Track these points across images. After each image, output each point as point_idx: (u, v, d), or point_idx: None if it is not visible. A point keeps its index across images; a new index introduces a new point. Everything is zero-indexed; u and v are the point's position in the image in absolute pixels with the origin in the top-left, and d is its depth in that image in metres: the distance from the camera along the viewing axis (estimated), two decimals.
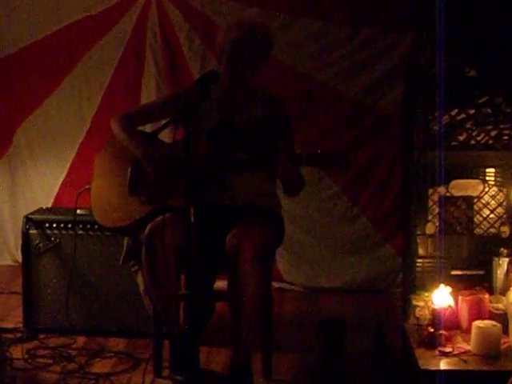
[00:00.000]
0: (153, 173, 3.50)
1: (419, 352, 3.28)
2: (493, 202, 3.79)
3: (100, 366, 3.81)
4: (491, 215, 3.78)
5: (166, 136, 3.90)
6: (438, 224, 3.76)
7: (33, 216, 4.22)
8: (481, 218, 3.79)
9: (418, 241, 3.81)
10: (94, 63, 5.25)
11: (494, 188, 3.80)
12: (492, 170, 3.83)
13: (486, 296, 3.52)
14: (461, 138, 3.74)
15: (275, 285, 4.81)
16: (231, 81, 3.57)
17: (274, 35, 4.73)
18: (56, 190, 5.38)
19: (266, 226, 3.60)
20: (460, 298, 3.51)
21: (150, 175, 3.51)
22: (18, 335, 4.11)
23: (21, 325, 4.19)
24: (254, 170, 3.56)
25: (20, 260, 4.44)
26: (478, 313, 3.44)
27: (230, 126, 3.61)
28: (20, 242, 4.23)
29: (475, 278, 3.74)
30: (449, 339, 3.36)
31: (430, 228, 3.79)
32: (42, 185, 5.43)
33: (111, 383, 3.63)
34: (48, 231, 4.16)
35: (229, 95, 3.66)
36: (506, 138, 3.72)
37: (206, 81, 3.34)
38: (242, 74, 3.57)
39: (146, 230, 3.47)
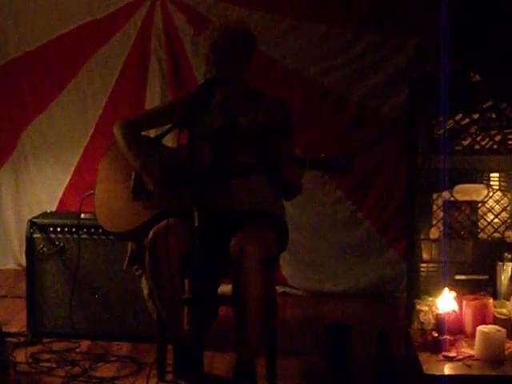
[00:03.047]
0: (152, 185, 3.50)
1: (423, 357, 3.28)
2: (497, 206, 3.79)
3: (104, 371, 3.80)
4: (495, 220, 3.78)
5: (169, 140, 3.90)
6: (442, 229, 3.75)
7: (37, 220, 4.22)
8: (485, 223, 3.79)
9: (422, 245, 3.81)
10: (98, 67, 5.26)
11: (499, 193, 3.80)
12: (496, 174, 3.83)
13: (490, 301, 3.52)
14: (465, 143, 3.74)
15: (279, 289, 4.81)
16: (226, 85, 3.55)
17: (278, 39, 4.77)
18: (60, 193, 5.39)
19: (271, 231, 3.60)
20: (464, 302, 3.51)
21: (150, 187, 3.51)
22: (22, 339, 4.11)
23: (25, 329, 4.19)
24: (257, 175, 3.57)
25: (24, 264, 4.44)
26: (482, 318, 3.44)
27: (234, 130, 3.61)
28: (24, 245, 4.23)
29: (479, 283, 3.74)
30: (453, 344, 3.35)
31: (434, 233, 3.79)
32: (46, 189, 5.43)
33: None
34: (52, 235, 4.16)
35: (231, 99, 3.66)
36: (510, 142, 3.72)
37: (210, 85, 3.35)
38: (234, 73, 3.56)
39: (150, 235, 3.48)
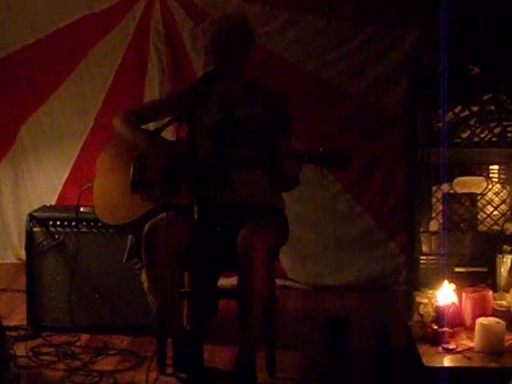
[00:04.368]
0: (163, 162, 3.49)
1: (423, 349, 3.28)
2: (496, 199, 3.79)
3: (104, 364, 3.81)
4: (495, 212, 3.78)
5: (168, 134, 3.90)
6: (441, 221, 3.76)
7: (36, 214, 4.22)
8: (484, 215, 3.79)
9: (422, 238, 3.82)
10: (97, 61, 5.24)
11: (498, 185, 3.80)
12: (496, 167, 3.83)
13: (490, 293, 3.52)
14: (464, 136, 3.74)
15: (279, 282, 4.80)
16: (225, 78, 3.54)
17: (277, 32, 4.77)
18: (59, 187, 5.38)
19: (275, 225, 3.61)
20: (464, 295, 3.51)
21: (159, 164, 3.50)
22: (22, 333, 4.11)
23: (25, 322, 4.20)
24: (256, 168, 3.56)
25: (24, 258, 4.44)
26: (481, 310, 3.44)
27: (232, 123, 3.61)
28: (24, 239, 4.24)
29: (479, 275, 3.75)
30: (452, 336, 3.36)
31: (434, 225, 3.79)
32: (45, 182, 5.43)
33: (115, 381, 3.63)
34: (51, 229, 4.16)
35: (230, 92, 3.65)
36: (509, 135, 3.72)
37: (209, 79, 3.34)
38: (233, 66, 3.55)
39: (145, 228, 3.48)
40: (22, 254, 4.80)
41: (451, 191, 3.78)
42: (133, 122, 3.67)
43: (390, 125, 4.93)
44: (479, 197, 3.80)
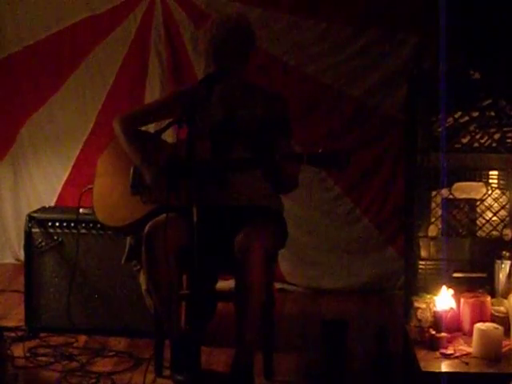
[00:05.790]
0: (150, 181, 3.51)
1: (420, 354, 3.27)
2: (495, 204, 3.78)
3: (101, 365, 3.81)
4: (494, 218, 3.77)
5: (168, 136, 3.90)
6: (440, 226, 3.75)
7: (35, 215, 4.22)
8: (483, 221, 3.79)
9: (421, 243, 3.81)
10: (98, 63, 5.25)
11: (497, 191, 3.80)
12: (495, 172, 3.83)
13: (488, 299, 3.52)
14: (464, 141, 3.74)
15: (277, 285, 4.81)
16: (226, 79, 3.54)
17: (278, 35, 4.77)
18: (59, 188, 5.38)
19: (273, 227, 3.61)
20: (462, 300, 3.51)
21: (148, 181, 3.52)
22: (20, 334, 4.11)
23: (22, 323, 4.19)
24: (255, 170, 3.56)
25: (22, 258, 4.44)
26: (479, 315, 3.44)
27: (232, 124, 3.61)
28: (22, 240, 4.23)
29: (477, 281, 3.74)
30: (450, 341, 3.35)
31: (433, 230, 3.78)
32: (45, 183, 5.43)
33: (112, 382, 3.62)
34: (51, 230, 4.16)
35: (230, 94, 3.66)
36: (509, 140, 3.72)
37: (210, 81, 3.34)
38: (233, 68, 3.55)
39: (146, 229, 3.48)
40: (21, 255, 4.80)
41: (450, 196, 3.78)
42: (131, 129, 3.67)
43: (389, 129, 4.94)
44: (478, 202, 3.80)
